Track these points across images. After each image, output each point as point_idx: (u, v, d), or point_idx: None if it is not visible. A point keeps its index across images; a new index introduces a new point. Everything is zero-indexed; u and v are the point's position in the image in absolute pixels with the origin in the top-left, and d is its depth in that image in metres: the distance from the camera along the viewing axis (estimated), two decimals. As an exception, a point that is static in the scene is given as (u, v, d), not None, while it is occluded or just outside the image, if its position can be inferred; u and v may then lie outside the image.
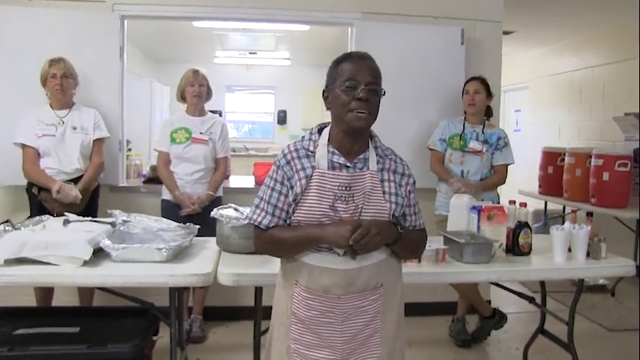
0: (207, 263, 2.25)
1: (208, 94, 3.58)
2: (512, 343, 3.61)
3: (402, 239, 1.64)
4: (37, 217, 2.70)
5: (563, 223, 2.60)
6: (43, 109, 3.25)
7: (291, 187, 1.60)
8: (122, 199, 3.67)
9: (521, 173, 6.83)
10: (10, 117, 3.34)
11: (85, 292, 3.23)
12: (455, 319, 3.68)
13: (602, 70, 5.85)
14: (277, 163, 1.64)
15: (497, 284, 3.03)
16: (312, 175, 1.60)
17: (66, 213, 2.68)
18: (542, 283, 3.06)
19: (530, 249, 2.62)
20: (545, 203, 5.33)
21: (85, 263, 2.14)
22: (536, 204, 5.41)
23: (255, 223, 1.66)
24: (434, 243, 2.51)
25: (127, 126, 3.81)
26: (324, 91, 1.68)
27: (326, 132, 1.67)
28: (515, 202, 2.77)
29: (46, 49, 3.31)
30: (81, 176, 3.23)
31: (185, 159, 3.44)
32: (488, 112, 3.57)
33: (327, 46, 6.30)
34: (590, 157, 4.32)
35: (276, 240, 1.64)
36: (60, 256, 2.13)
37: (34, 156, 3.18)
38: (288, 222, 1.64)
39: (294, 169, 1.62)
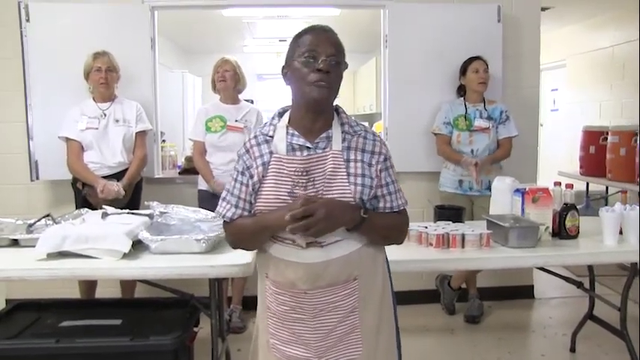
0: (246, 253, 2.20)
1: (240, 81, 3.54)
2: (559, 329, 3.49)
3: (367, 224, 1.47)
4: (76, 210, 2.73)
5: (606, 205, 2.49)
6: (86, 102, 3.27)
7: (251, 177, 1.52)
8: (158, 191, 3.68)
9: (561, 154, 6.64)
10: (50, 111, 3.38)
11: (128, 284, 3.26)
12: (471, 299, 3.71)
13: (648, 43, 5.58)
14: (238, 152, 1.58)
15: (541, 268, 2.93)
16: (269, 162, 1.51)
17: (104, 206, 2.70)
18: (591, 268, 2.95)
19: (578, 232, 2.53)
20: (587, 184, 5.13)
21: (125, 256, 2.16)
22: (577, 185, 5.22)
23: (220, 216, 1.61)
24: (477, 227, 2.44)
25: (160, 117, 3.81)
26: (283, 68, 1.56)
27: (287, 114, 1.58)
28: (560, 183, 2.67)
29: (77, 44, 3.33)
30: (124, 170, 3.24)
31: (220, 148, 3.42)
32: None
33: (358, 30, 6.19)
34: (636, 135, 4.15)
35: (237, 231, 1.58)
36: (100, 249, 2.16)
37: (78, 150, 3.20)
38: (253, 212, 1.55)
39: (252, 157, 1.54)
